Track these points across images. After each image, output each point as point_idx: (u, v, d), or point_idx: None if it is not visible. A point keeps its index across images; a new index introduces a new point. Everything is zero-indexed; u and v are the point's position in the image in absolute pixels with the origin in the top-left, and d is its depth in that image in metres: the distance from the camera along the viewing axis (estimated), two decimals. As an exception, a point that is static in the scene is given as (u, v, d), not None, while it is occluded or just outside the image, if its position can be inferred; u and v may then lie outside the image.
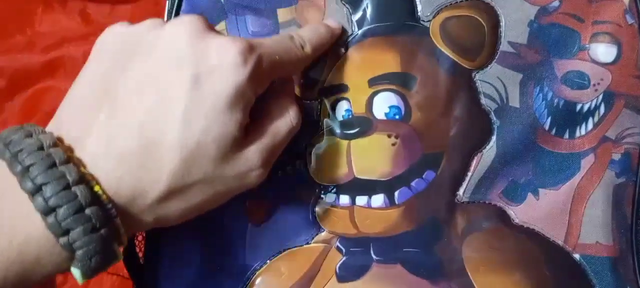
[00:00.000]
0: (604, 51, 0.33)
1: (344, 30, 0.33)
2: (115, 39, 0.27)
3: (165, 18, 0.32)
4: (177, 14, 0.32)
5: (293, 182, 0.33)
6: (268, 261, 0.32)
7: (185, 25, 0.26)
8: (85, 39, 0.41)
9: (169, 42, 0.26)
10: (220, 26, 0.33)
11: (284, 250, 0.32)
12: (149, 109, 0.25)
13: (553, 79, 0.33)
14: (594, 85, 0.33)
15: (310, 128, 0.33)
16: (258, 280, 0.32)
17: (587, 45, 0.33)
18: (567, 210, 0.33)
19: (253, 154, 0.27)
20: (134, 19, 0.39)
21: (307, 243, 0.32)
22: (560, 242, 0.33)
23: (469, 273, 0.32)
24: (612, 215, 0.33)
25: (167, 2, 0.33)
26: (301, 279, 0.32)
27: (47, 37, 0.41)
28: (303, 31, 0.31)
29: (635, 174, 0.33)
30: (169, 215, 0.26)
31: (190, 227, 0.32)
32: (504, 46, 0.33)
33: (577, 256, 0.33)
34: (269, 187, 0.32)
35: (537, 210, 0.33)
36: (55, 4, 0.41)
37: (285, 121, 0.29)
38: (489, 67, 0.33)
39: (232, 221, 0.32)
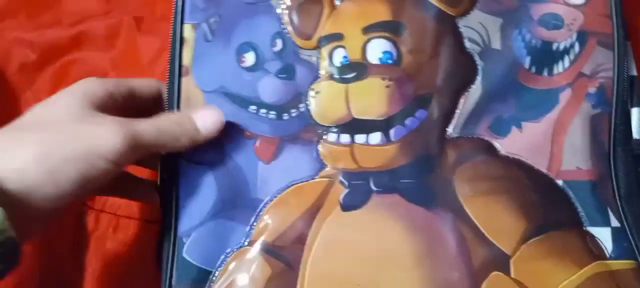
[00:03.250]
0: (575, -6, 0.36)
1: None
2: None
3: None
4: None
5: (298, 124, 0.36)
6: (277, 195, 0.36)
7: None
8: (107, 14, 0.44)
9: None
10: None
11: (292, 185, 0.36)
12: None
13: (530, 21, 0.36)
14: (568, 25, 0.36)
15: (311, 75, 0.36)
16: (269, 212, 0.35)
17: (560, -10, 0.36)
18: (548, 140, 0.36)
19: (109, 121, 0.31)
20: None
21: (313, 179, 0.36)
22: (544, 170, 0.36)
23: (461, 200, 0.35)
24: (590, 143, 0.36)
25: None
26: (308, 209, 0.35)
27: (72, 15, 0.44)
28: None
29: (610, 105, 0.36)
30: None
31: (206, 168, 0.35)
32: (486, -7, 0.37)
33: (560, 182, 0.36)
34: (276, 129, 0.36)
35: (521, 141, 0.36)
36: (77, -14, 0.44)
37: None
38: (471, 14, 0.36)
39: (244, 160, 0.35)
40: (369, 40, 0.36)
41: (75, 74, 0.43)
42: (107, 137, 0.30)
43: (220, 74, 0.36)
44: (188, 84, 0.36)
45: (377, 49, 0.36)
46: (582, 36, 0.36)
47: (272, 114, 0.36)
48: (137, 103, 0.36)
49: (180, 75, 0.36)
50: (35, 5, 0.44)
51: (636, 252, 0.35)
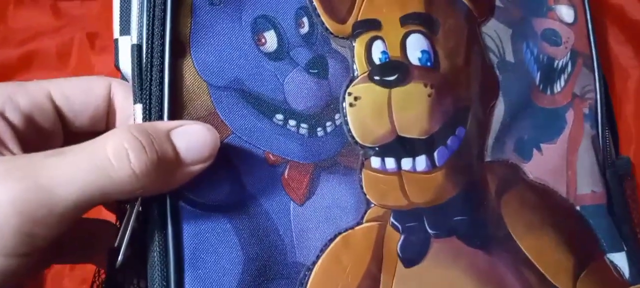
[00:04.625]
0: (566, 12, 0.35)
1: None
2: None
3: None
4: None
5: (335, 144, 0.24)
6: (322, 253, 0.23)
7: None
8: (58, 31, 0.41)
9: None
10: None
11: (336, 236, 0.23)
12: None
13: (534, 35, 0.33)
14: (565, 43, 0.35)
15: (345, 73, 0.25)
16: (316, 281, 0.22)
17: (553, 6, 0.35)
18: (564, 163, 0.33)
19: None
20: (104, 12, 0.40)
21: (358, 224, 0.24)
22: (564, 196, 0.32)
23: (514, 237, 0.29)
24: (596, 165, 0.34)
25: None
26: (368, 271, 0.23)
27: (20, 32, 0.41)
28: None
29: (598, 126, 0.35)
30: None
31: (223, 216, 0.20)
32: (497, 0, 0.32)
33: (578, 208, 0.32)
34: (310, 150, 0.24)
35: (543, 165, 0.32)
36: (26, 0, 0.41)
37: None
38: (489, 20, 0.31)
39: (272, 201, 0.22)
40: (407, 34, 0.27)
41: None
42: None
43: (234, 59, 0.22)
44: (188, 71, 0.21)
45: (416, 47, 0.27)
46: (574, 56, 0.35)
47: (304, 128, 0.23)
48: (63, 114, 0.19)
49: (173, 54, 0.20)
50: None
51: (643, 276, 0.34)
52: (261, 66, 0.23)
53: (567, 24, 0.35)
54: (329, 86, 0.24)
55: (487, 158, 0.30)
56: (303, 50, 0.24)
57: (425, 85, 0.27)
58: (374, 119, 0.25)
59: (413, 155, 0.26)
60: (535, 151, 0.32)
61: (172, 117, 0.20)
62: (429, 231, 0.26)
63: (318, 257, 0.23)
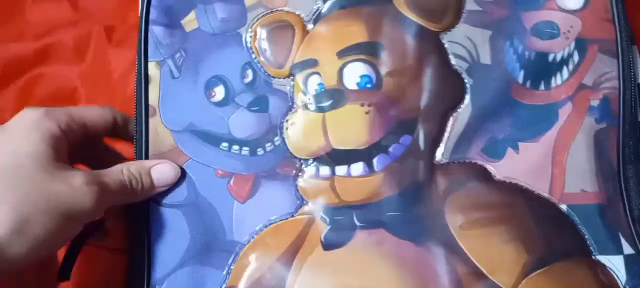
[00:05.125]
0: (571, -2, 0.33)
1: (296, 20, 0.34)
2: None
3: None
4: (148, 6, 0.34)
5: (274, 159, 0.34)
6: (255, 236, 0.33)
7: None
8: (75, 25, 0.40)
9: None
10: (190, 17, 0.34)
11: (270, 224, 0.33)
12: None
13: (522, 31, 0.33)
14: (565, 33, 0.33)
15: (285, 106, 0.34)
16: (246, 255, 0.33)
17: (554, -5, 0.33)
18: (548, 161, 0.33)
19: (80, 179, 0.29)
20: (121, 6, 0.41)
21: (292, 216, 0.33)
22: (545, 194, 0.32)
23: (453, 232, 0.32)
24: (595, 162, 0.32)
25: None
26: (287, 250, 0.33)
27: (37, 26, 0.40)
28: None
29: (616, 118, 0.33)
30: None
31: (178, 211, 0.33)
32: (469, 5, 0.34)
33: (564, 207, 0.32)
34: (251, 165, 0.34)
35: (519, 164, 0.33)
36: (44, -7, 0.40)
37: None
38: (456, 28, 0.33)
39: (218, 200, 0.33)
40: (345, 65, 0.33)
41: (42, 89, 0.40)
42: (79, 198, 0.29)
43: (189, 111, 0.34)
44: (156, 125, 0.34)
45: (355, 74, 0.33)
46: (581, 44, 0.33)
47: (245, 150, 0.34)
48: (88, 133, 0.34)
49: (147, 116, 0.34)
50: (-5, 16, 0.40)
51: (653, 281, 0.31)
52: (210, 112, 0.33)
53: (572, 11, 0.33)
54: (269, 118, 0.33)
55: (444, 160, 0.33)
56: (246, 94, 0.33)
57: (363, 105, 0.33)
58: (309, 138, 0.33)
59: (348, 162, 0.33)
60: (509, 150, 0.33)
61: (149, 153, 0.34)
62: (357, 223, 0.33)
63: (252, 237, 0.33)
